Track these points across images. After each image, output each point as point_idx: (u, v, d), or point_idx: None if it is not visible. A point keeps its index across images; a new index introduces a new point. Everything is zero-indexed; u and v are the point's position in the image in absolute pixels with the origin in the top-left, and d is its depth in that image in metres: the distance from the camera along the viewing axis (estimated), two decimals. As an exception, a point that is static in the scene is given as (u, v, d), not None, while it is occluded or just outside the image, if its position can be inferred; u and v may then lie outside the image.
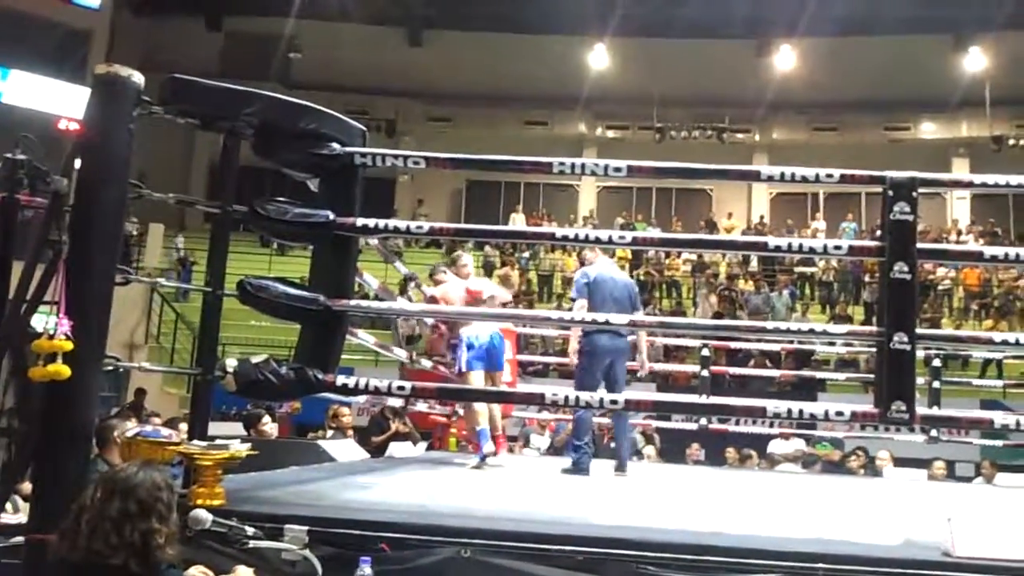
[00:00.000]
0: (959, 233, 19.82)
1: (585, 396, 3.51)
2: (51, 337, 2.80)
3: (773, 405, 3.32)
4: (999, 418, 3.25)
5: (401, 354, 6.31)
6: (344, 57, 21.07)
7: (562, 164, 3.42)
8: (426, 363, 6.68)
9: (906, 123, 21.82)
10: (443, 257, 18.51)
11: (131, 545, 2.16)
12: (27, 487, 3.17)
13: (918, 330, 3.17)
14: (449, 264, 6.75)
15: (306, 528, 2.71)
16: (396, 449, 7.62)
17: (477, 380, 5.84)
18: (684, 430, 9.61)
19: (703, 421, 8.77)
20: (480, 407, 5.86)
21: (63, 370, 2.79)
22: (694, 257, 19.29)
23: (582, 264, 6.32)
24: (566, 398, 3.47)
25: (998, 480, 8.65)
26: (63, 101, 16.44)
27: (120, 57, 3.01)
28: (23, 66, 17.04)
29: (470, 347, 5.91)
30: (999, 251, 3.47)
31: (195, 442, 3.06)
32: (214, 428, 3.36)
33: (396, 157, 3.64)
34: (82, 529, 2.19)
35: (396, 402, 7.41)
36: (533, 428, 9.52)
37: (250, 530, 2.64)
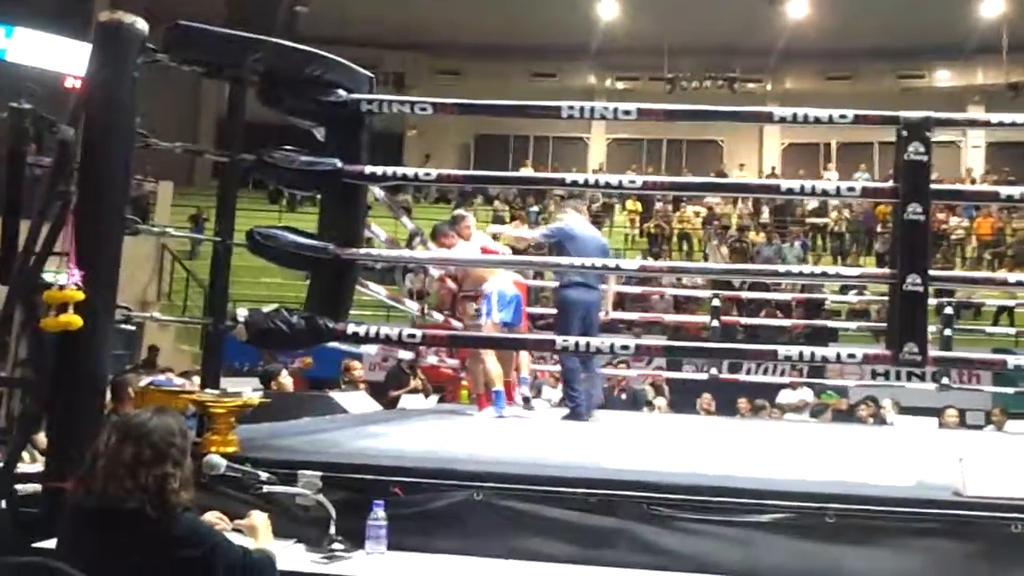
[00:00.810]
0: (973, 181, 19.62)
1: (595, 342, 3.50)
2: (62, 288, 2.81)
3: (784, 349, 3.32)
4: (1012, 359, 3.24)
5: (412, 307, 6.31)
6: (351, 10, 20.79)
7: (571, 108, 3.37)
8: (437, 316, 6.69)
9: (920, 71, 21.50)
10: (451, 213, 18.50)
11: (146, 489, 2.17)
12: (42, 440, 3.21)
13: (931, 272, 3.15)
14: (451, 224, 6.62)
15: (319, 473, 2.73)
16: (408, 402, 7.68)
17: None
18: (694, 380, 9.64)
19: (713, 371, 8.78)
20: (495, 368, 5.91)
21: (75, 320, 2.80)
22: (704, 210, 19.19)
23: None
24: (576, 344, 3.46)
25: (1008, 427, 8.67)
26: (68, 58, 16.27)
27: (124, 10, 2.98)
28: (27, 23, 16.86)
29: (501, 300, 5.95)
30: (1015, 191, 3.42)
31: (208, 390, 3.08)
32: (227, 384, 3.37)
33: (403, 103, 3.60)
34: (98, 474, 2.20)
35: (407, 355, 7.43)
36: (545, 380, 9.55)
37: (264, 475, 2.66)
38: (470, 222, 6.53)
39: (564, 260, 5.55)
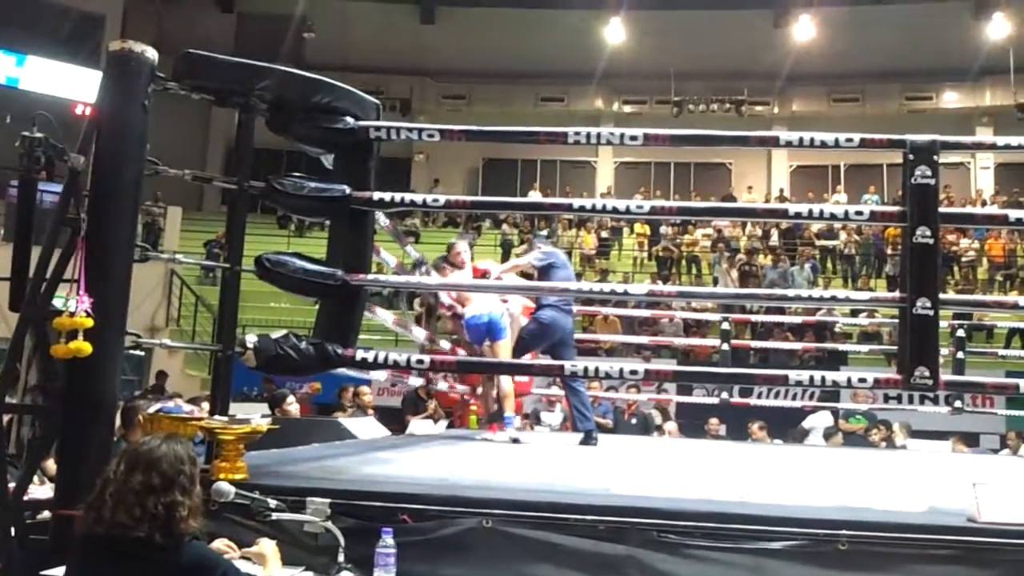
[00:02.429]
0: (983, 203, 19.55)
1: (605, 367, 3.49)
2: (72, 314, 2.82)
3: (795, 374, 3.30)
4: (1025, 384, 3.21)
5: (419, 335, 6.31)
6: (357, 36, 21.00)
7: (577, 134, 3.39)
8: (444, 344, 6.69)
9: (928, 92, 21.49)
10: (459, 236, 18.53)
11: (155, 517, 2.17)
12: (51, 466, 3.21)
13: (941, 296, 3.14)
14: (444, 256, 6.64)
15: (328, 501, 2.72)
16: (417, 426, 7.66)
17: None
18: (705, 405, 9.59)
19: (724, 395, 8.74)
20: (508, 390, 6.05)
21: (85, 347, 2.81)
22: (713, 232, 19.17)
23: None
24: (585, 369, 3.45)
25: (1024, 451, 8.60)
26: (79, 85, 16.47)
27: (133, 40, 3.00)
28: (39, 52, 17.08)
29: (468, 323, 6.10)
30: (1024, 214, 3.41)
31: (217, 417, 3.07)
32: (236, 410, 3.37)
33: (411, 130, 3.62)
34: (107, 502, 2.20)
35: (417, 380, 7.42)
36: (543, 405, 9.53)
37: (273, 503, 2.65)
38: (460, 248, 6.51)
39: (559, 284, 5.71)
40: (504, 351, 5.95)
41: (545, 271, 6.13)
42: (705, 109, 21.46)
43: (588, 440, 5.92)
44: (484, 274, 6.43)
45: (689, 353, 12.72)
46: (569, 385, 6.25)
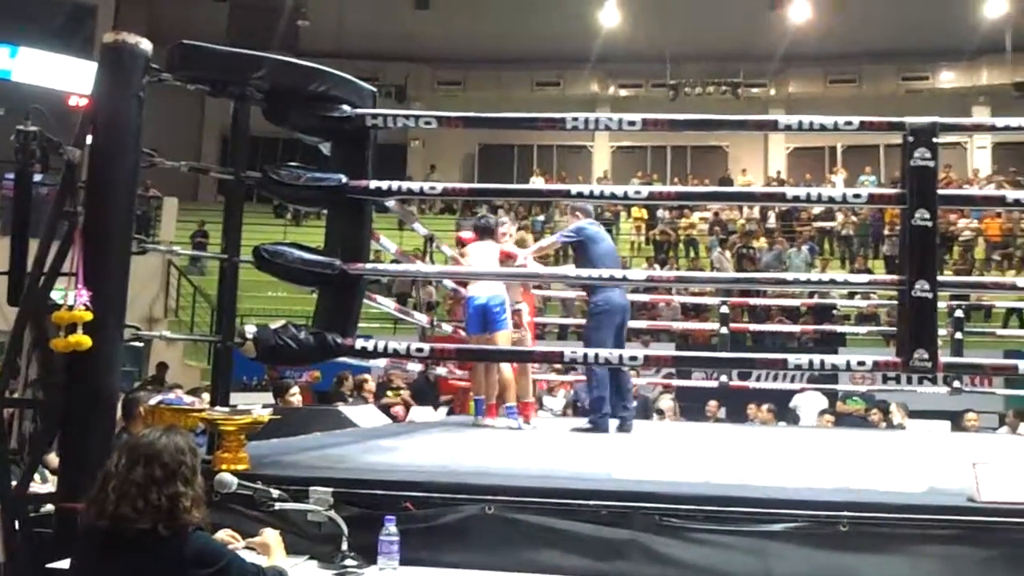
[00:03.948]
0: (980, 183, 19.56)
1: (604, 353, 3.50)
2: (70, 308, 2.82)
3: (794, 357, 3.32)
4: (1023, 364, 3.22)
5: (421, 319, 6.31)
6: (351, 23, 20.86)
7: (575, 120, 3.38)
8: (447, 328, 6.69)
9: (924, 72, 21.45)
10: (456, 220, 18.52)
11: (158, 509, 2.18)
12: (53, 460, 3.21)
13: (939, 278, 3.14)
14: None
15: (331, 490, 2.72)
16: (417, 414, 7.67)
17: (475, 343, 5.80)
18: (704, 388, 9.62)
19: (723, 378, 8.76)
20: (510, 378, 5.85)
21: (84, 340, 2.81)
22: (710, 215, 19.16)
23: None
24: (585, 356, 3.45)
25: (1023, 430, 8.63)
26: (72, 77, 16.41)
27: (126, 30, 2.97)
28: (31, 43, 17.00)
29: (467, 307, 5.87)
30: (1022, 194, 3.41)
31: (218, 408, 3.08)
32: (236, 400, 3.37)
33: (407, 117, 3.61)
34: (109, 495, 2.21)
35: (417, 367, 7.43)
36: (543, 391, 9.53)
37: (276, 493, 2.66)
38: (505, 228, 6.37)
39: (571, 271, 5.49)
40: (503, 344, 5.73)
41: (580, 248, 5.74)
42: (701, 92, 21.42)
43: (595, 428, 5.62)
44: (508, 256, 6.08)
45: (688, 337, 12.75)
46: (590, 369, 5.75)
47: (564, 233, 5.93)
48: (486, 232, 6.11)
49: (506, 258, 6.05)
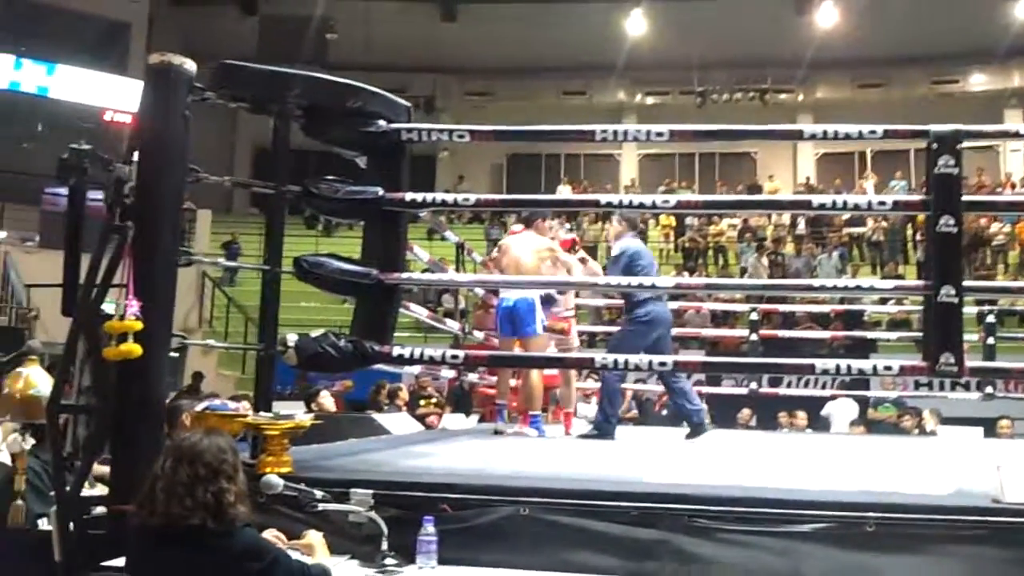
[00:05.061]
0: (1013, 186, 19.33)
1: (634, 359, 3.57)
2: (122, 318, 2.95)
3: (822, 363, 3.35)
4: (1052, 368, 3.25)
5: (454, 326, 6.41)
6: (379, 35, 21.10)
7: (604, 132, 3.46)
8: (478, 335, 6.79)
9: (954, 76, 21.20)
10: (485, 228, 18.64)
11: (206, 506, 2.29)
12: (99, 469, 3.34)
13: (966, 282, 3.18)
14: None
15: (371, 492, 2.82)
16: (449, 421, 7.77)
17: (504, 347, 5.84)
18: (734, 396, 9.64)
19: (753, 385, 8.77)
20: (539, 385, 5.82)
21: (135, 349, 2.94)
22: (739, 222, 19.10)
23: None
24: (615, 362, 3.53)
25: (1056, 435, 8.56)
26: (107, 93, 16.75)
27: (159, 46, 3.09)
28: (66, 60, 17.36)
29: (497, 309, 5.83)
30: (1048, 200, 3.45)
31: (262, 413, 3.19)
32: (275, 407, 3.48)
33: (441, 131, 3.72)
34: (158, 496, 2.32)
35: (449, 375, 7.53)
36: (579, 397, 9.57)
37: (319, 494, 2.76)
38: (555, 231, 6.42)
39: (600, 280, 5.56)
40: (536, 350, 5.65)
41: (625, 264, 5.54)
42: (729, 99, 21.36)
43: (599, 434, 5.58)
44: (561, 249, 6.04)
45: (717, 344, 12.74)
46: (604, 379, 5.81)
47: (614, 255, 5.80)
48: (527, 223, 6.08)
49: (557, 255, 5.96)
